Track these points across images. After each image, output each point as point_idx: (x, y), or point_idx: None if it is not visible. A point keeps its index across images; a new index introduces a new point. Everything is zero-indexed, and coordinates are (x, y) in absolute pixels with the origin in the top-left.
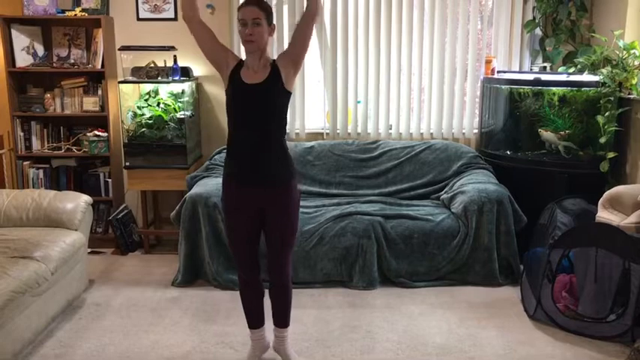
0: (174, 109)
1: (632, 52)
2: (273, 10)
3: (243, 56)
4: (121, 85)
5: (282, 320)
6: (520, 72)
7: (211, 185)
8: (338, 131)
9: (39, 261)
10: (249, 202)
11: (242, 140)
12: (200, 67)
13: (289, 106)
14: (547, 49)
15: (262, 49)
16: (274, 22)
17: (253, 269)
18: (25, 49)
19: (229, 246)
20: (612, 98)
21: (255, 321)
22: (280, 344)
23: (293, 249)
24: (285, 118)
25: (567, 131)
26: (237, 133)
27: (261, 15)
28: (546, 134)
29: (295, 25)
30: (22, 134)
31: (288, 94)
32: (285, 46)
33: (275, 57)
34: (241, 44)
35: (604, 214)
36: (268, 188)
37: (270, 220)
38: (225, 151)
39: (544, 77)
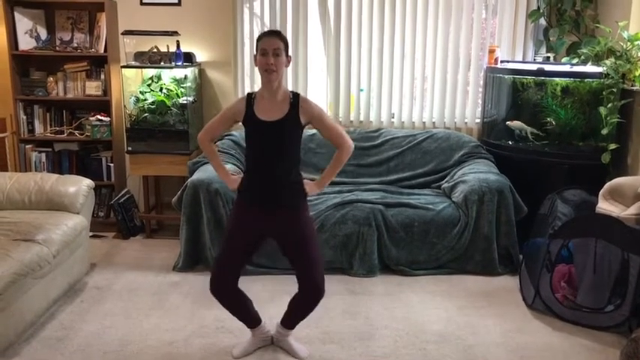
0: (177, 94)
1: (636, 43)
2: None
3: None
4: (124, 70)
5: (292, 323)
6: (523, 62)
7: (213, 171)
8: (340, 119)
9: (41, 244)
10: (259, 227)
11: (259, 170)
12: (203, 53)
13: None
14: (551, 39)
15: (279, 80)
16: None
17: (231, 274)
18: (28, 33)
19: (222, 245)
20: (615, 90)
21: (250, 322)
22: (281, 338)
23: (321, 261)
24: (300, 145)
25: (550, 120)
26: (254, 162)
27: (281, 46)
28: (513, 123)
29: (329, 130)
30: (24, 118)
31: (302, 127)
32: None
33: (292, 88)
34: (258, 71)
35: (604, 205)
36: (281, 218)
37: (290, 246)
38: (226, 137)
39: (547, 67)
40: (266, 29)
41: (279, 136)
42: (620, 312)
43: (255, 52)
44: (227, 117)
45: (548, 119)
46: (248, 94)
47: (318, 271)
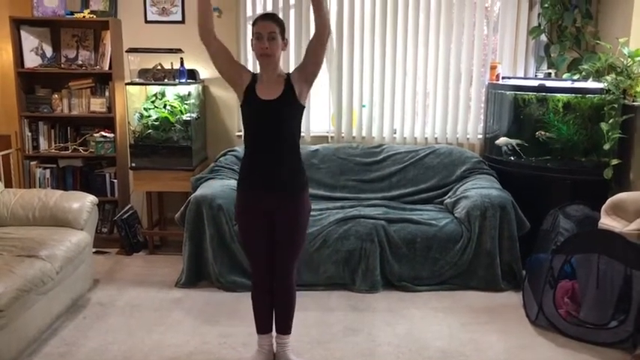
0: (181, 111)
1: (636, 59)
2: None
3: (251, 67)
4: (128, 87)
5: (283, 326)
6: (525, 78)
7: (216, 187)
8: (343, 135)
9: (44, 260)
10: (262, 209)
11: (258, 153)
12: (206, 70)
13: None
14: (552, 55)
15: (276, 63)
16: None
17: (267, 273)
18: (33, 50)
19: (245, 251)
20: (616, 105)
21: (263, 325)
22: (282, 350)
23: (299, 257)
24: (299, 129)
25: (543, 132)
26: (253, 146)
27: (276, 29)
28: (499, 141)
29: (308, 43)
30: (29, 134)
31: (301, 108)
32: (294, 58)
33: (288, 70)
34: (254, 56)
35: (607, 221)
36: (280, 196)
37: (280, 227)
38: (230, 153)
39: (549, 84)
40: None
41: (277, 114)
42: (624, 328)
43: (252, 37)
44: (236, 64)
45: (537, 133)
46: (252, 73)
47: (293, 268)
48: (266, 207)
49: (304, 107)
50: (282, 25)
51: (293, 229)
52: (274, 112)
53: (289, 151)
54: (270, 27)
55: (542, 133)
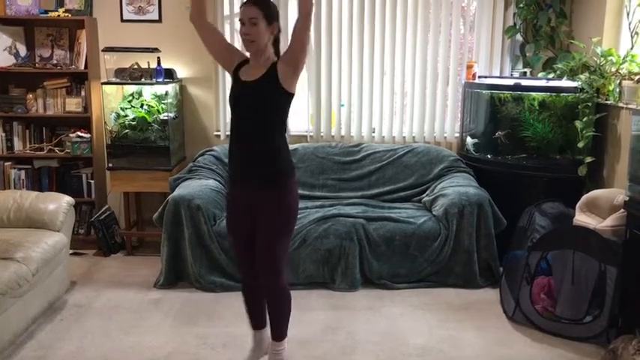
0: (158, 110)
1: (609, 58)
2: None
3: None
4: (105, 87)
5: (272, 332)
6: (501, 77)
7: (194, 187)
8: (322, 134)
9: (20, 262)
10: (244, 201)
11: (237, 139)
12: (184, 69)
13: None
14: (527, 54)
15: (262, 50)
16: (279, 21)
17: (252, 269)
18: (7, 49)
19: (233, 247)
20: (590, 104)
21: (261, 321)
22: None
23: (284, 261)
24: (281, 117)
25: (501, 132)
26: (233, 130)
27: (259, 14)
28: (467, 140)
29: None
30: (3, 135)
31: (284, 94)
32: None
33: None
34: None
35: (581, 218)
36: (257, 188)
37: (260, 222)
38: (208, 153)
39: (524, 82)
40: None
41: (254, 96)
42: (599, 323)
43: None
44: (227, 48)
45: (497, 133)
46: (246, 58)
47: (278, 270)
48: (246, 199)
49: (291, 94)
50: (266, 9)
51: (272, 223)
52: (250, 93)
53: (267, 139)
54: (251, 12)
55: (500, 133)
